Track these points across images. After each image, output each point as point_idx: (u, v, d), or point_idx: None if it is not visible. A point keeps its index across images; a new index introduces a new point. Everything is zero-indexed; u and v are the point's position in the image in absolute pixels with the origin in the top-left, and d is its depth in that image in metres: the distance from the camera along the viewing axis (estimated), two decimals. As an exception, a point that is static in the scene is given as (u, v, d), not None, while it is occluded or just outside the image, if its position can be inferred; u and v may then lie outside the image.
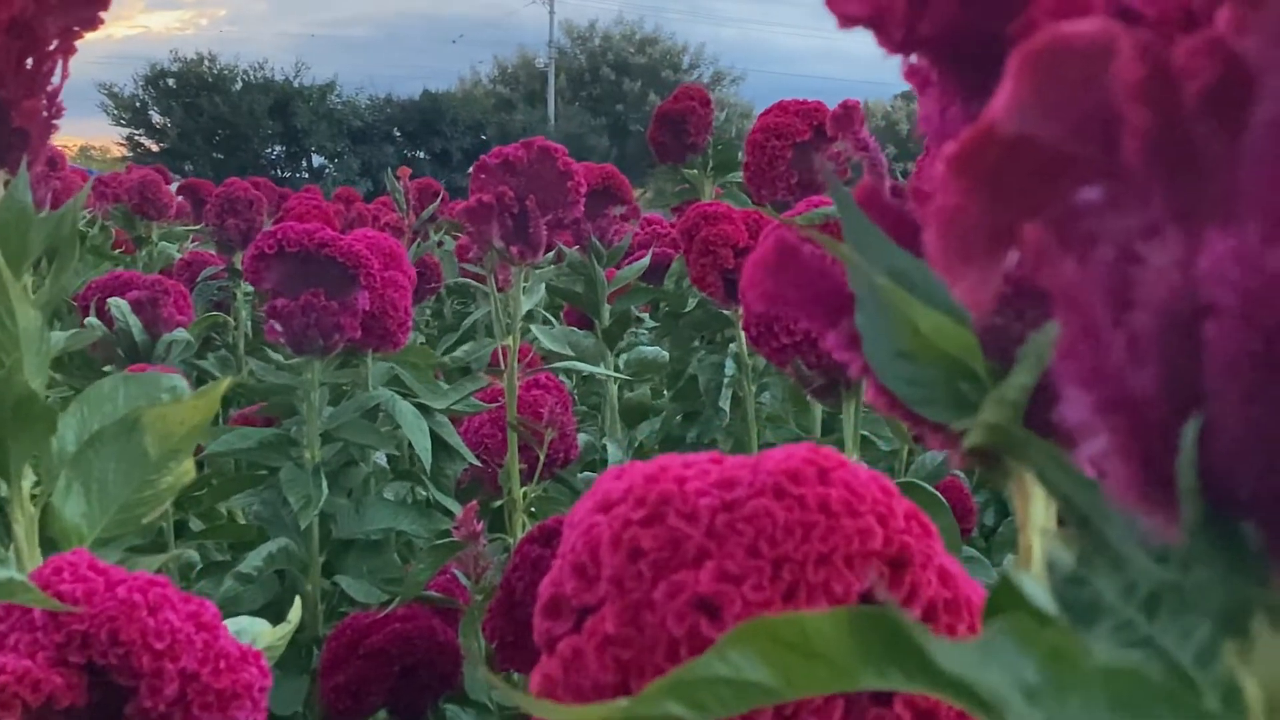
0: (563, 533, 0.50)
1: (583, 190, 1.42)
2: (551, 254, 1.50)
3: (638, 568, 0.44)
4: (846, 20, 0.33)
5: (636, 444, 2.00)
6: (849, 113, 1.16)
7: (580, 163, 1.97)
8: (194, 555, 1.91)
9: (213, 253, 3.20)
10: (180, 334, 2.00)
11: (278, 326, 1.57)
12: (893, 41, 0.33)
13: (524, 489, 1.44)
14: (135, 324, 1.97)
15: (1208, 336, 0.20)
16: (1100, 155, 0.23)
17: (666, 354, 2.02)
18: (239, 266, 3.09)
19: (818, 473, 0.45)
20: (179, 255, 3.54)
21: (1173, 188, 0.21)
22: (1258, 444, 0.20)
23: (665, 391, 2.01)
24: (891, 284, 0.33)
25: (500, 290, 1.44)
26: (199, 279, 3.06)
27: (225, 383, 0.80)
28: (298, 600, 0.90)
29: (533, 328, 1.47)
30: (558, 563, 0.48)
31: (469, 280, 1.91)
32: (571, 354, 1.53)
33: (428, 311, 3.30)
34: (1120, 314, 0.21)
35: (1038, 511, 0.35)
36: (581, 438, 1.97)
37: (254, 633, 0.86)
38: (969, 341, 0.34)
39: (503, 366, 1.44)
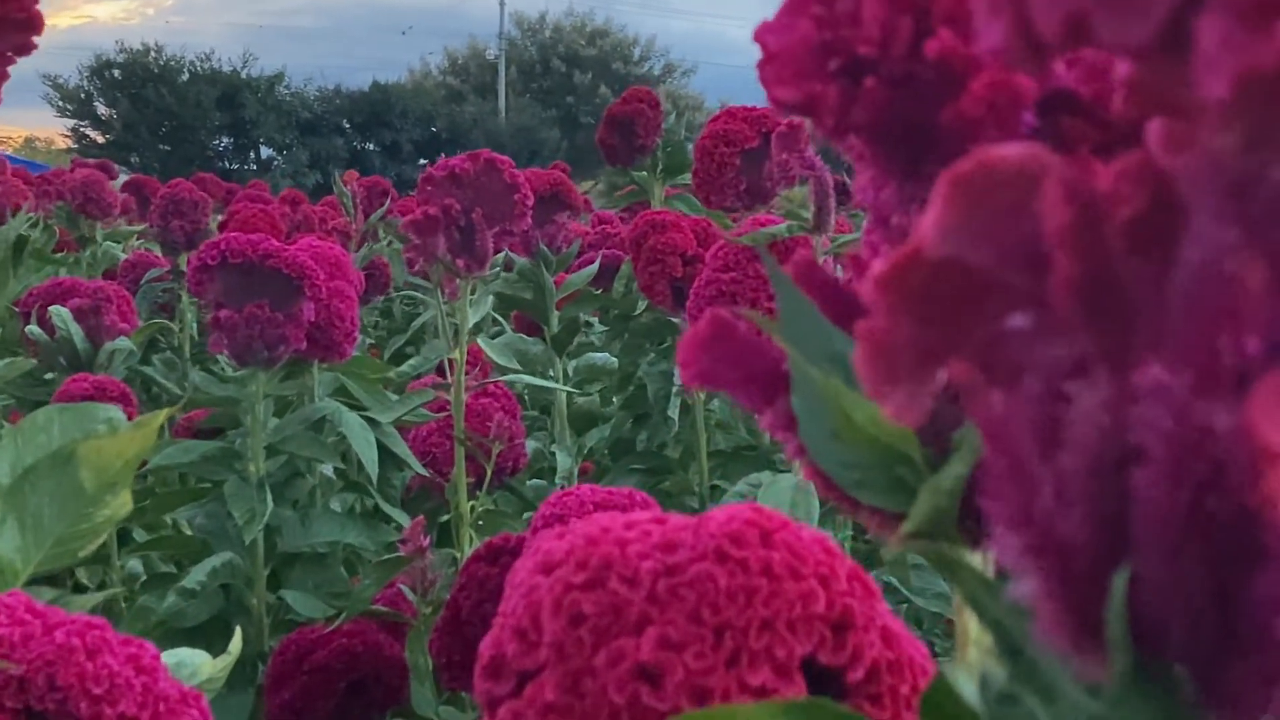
0: (505, 591, 0.50)
1: (529, 203, 1.41)
2: (500, 260, 1.50)
3: (579, 634, 0.43)
4: (780, 105, 0.32)
5: (586, 450, 1.99)
6: (794, 132, 1.16)
7: (529, 169, 1.97)
8: (138, 567, 1.89)
9: (158, 253, 3.17)
10: (123, 342, 1.97)
11: (221, 338, 1.55)
12: (826, 127, 0.32)
13: (471, 502, 1.43)
14: (77, 332, 1.95)
15: (1136, 485, 0.20)
16: (1029, 284, 0.22)
17: (616, 360, 2.01)
18: (184, 268, 3.06)
19: (760, 535, 0.44)
20: (124, 256, 3.50)
21: (1101, 327, 0.21)
22: (1188, 595, 0.19)
23: (615, 398, 2.01)
24: (823, 376, 0.32)
25: (447, 302, 1.43)
26: (143, 281, 3.03)
27: (163, 414, 0.79)
28: (238, 631, 0.89)
29: (479, 340, 1.46)
30: (499, 622, 0.48)
31: (420, 281, 1.90)
32: (517, 366, 1.52)
33: (376, 312, 3.27)
34: (1048, 453, 0.21)
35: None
36: (530, 444, 1.96)
37: (194, 665, 0.85)
38: (905, 429, 0.33)
39: (449, 379, 1.43)
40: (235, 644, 0.88)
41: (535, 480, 2.01)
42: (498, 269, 1.36)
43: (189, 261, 1.57)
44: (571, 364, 1.99)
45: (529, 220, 1.42)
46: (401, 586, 1.46)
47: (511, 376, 1.49)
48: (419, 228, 1.39)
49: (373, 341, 2.92)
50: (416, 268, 1.40)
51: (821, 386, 0.32)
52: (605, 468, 2.13)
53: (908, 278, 0.23)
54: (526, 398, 2.30)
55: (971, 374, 0.22)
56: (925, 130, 0.33)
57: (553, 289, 1.94)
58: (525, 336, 2.02)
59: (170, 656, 0.86)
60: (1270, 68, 0.17)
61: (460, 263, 1.41)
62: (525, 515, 2.01)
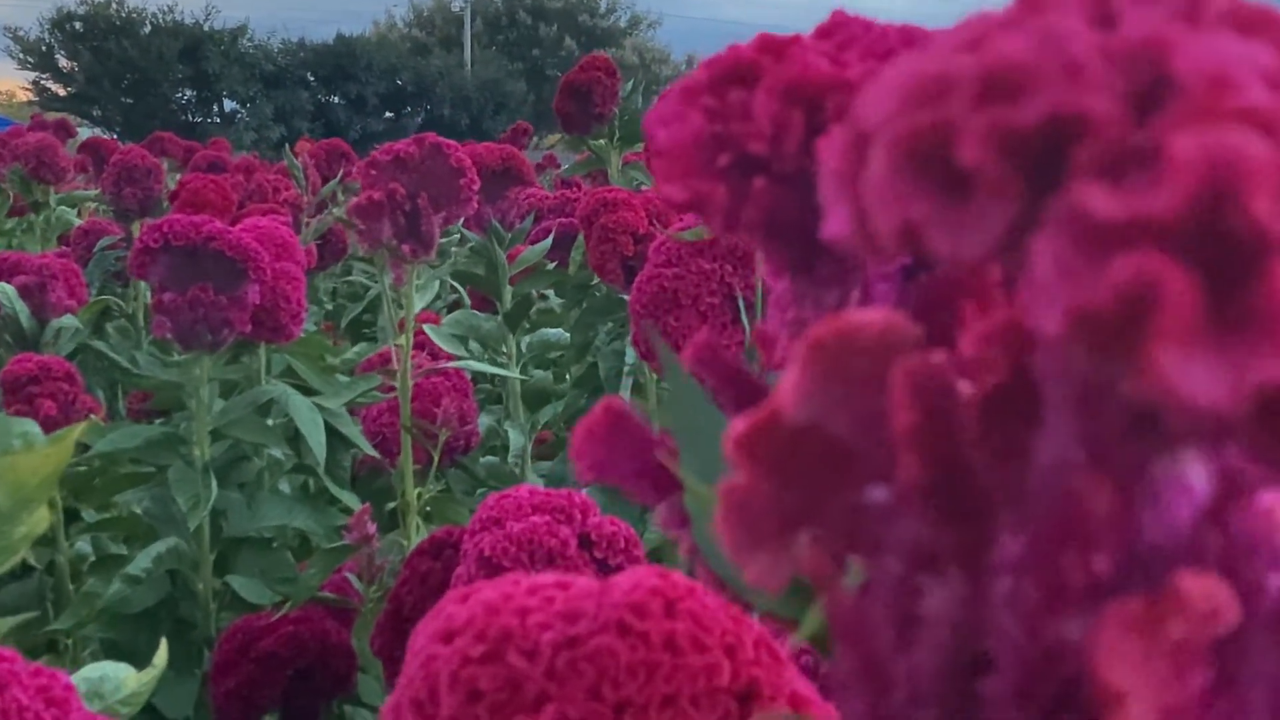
0: (410, 647, 0.48)
1: (475, 187, 1.39)
2: (455, 236, 1.48)
3: (475, 711, 0.42)
4: (671, 204, 0.31)
5: (539, 427, 1.98)
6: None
7: (481, 143, 1.95)
8: (87, 548, 1.88)
9: (112, 220, 3.13)
10: (69, 320, 1.95)
11: (165, 322, 1.53)
12: (715, 225, 0.31)
13: (419, 489, 1.42)
14: (23, 310, 1.92)
15: (986, 694, 0.19)
16: (886, 458, 0.21)
17: (569, 336, 2.00)
18: (137, 236, 3.03)
19: (664, 606, 0.43)
20: (78, 221, 3.46)
21: (953, 521, 0.20)
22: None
23: (569, 374, 1.99)
24: (703, 489, 0.31)
25: (393, 288, 1.41)
26: (96, 249, 3.00)
27: (79, 428, 0.78)
28: (164, 644, 0.87)
29: (424, 327, 1.44)
30: (399, 688, 0.46)
31: (366, 265, 1.88)
32: (464, 353, 1.50)
33: (334, 278, 3.25)
34: (903, 646, 0.20)
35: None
36: (483, 421, 1.95)
37: (118, 679, 0.84)
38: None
39: (395, 365, 1.42)
40: (160, 656, 0.87)
41: (489, 458, 2.00)
42: (450, 256, 1.34)
43: (132, 245, 1.55)
44: (525, 340, 1.98)
45: (475, 205, 1.40)
46: (348, 575, 1.45)
47: (459, 363, 1.48)
48: (363, 213, 1.37)
49: (330, 308, 2.89)
50: (363, 251, 1.39)
51: (704, 495, 0.31)
52: (562, 440, 2.12)
53: (767, 440, 0.22)
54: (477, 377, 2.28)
55: (823, 560, 0.21)
56: (818, 229, 0.31)
57: (505, 265, 1.92)
58: (478, 313, 2.00)
59: (94, 670, 0.84)
60: (1107, 306, 0.16)
61: (406, 248, 1.39)
62: (479, 491, 2.00)
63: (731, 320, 1.08)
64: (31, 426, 0.83)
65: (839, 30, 0.35)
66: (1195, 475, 0.18)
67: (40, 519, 0.80)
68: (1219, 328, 0.16)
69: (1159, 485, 0.18)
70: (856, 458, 0.22)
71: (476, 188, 1.39)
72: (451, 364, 1.47)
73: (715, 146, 0.31)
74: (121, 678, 0.84)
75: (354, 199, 1.37)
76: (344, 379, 1.62)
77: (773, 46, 0.32)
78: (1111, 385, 0.17)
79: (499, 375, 2.07)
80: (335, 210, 3.81)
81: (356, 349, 1.56)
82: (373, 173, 1.39)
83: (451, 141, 1.40)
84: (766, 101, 0.31)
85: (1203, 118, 0.16)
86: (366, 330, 2.94)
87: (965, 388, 0.20)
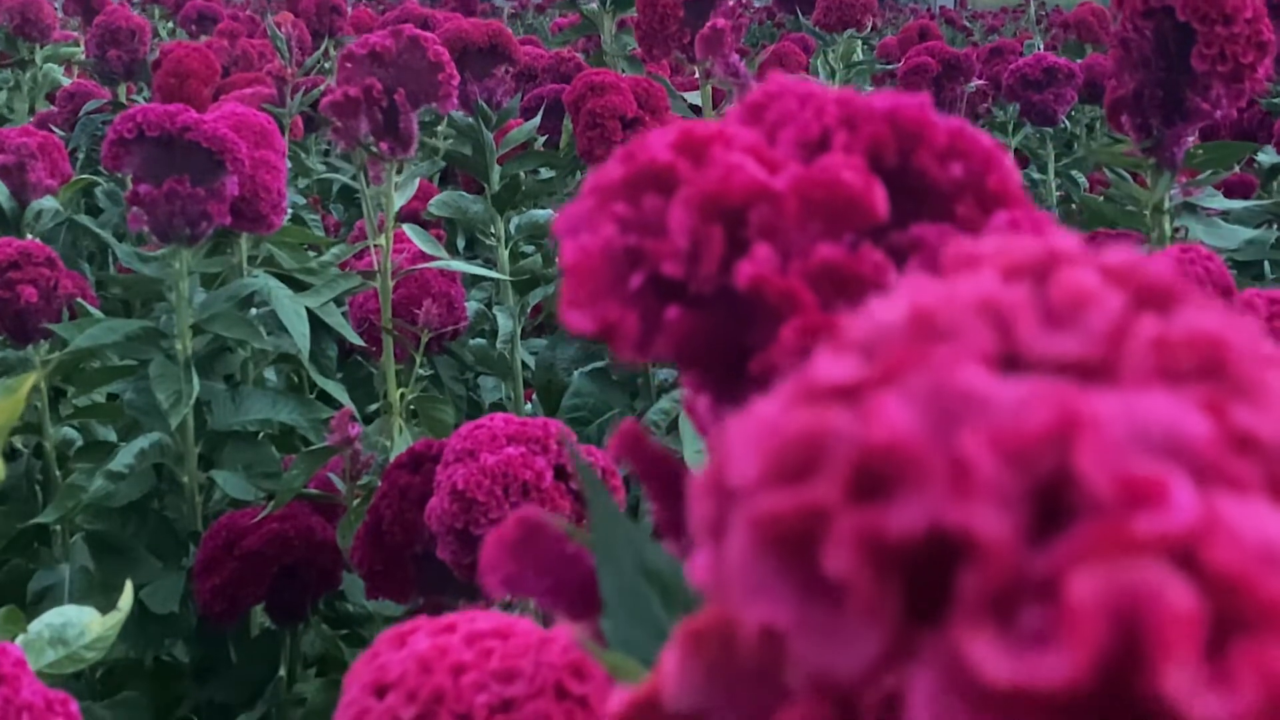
0: (345, 685, 0.47)
1: (455, 82, 1.35)
2: (441, 122, 1.44)
3: (403, 776, 0.40)
4: (578, 332, 0.28)
5: (528, 310, 1.96)
6: (717, 35, 1.10)
7: (468, 19, 1.89)
8: (73, 433, 1.87)
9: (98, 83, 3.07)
10: (49, 202, 1.92)
11: (141, 215, 1.50)
12: (624, 354, 0.28)
13: (401, 390, 1.40)
14: (2, 191, 1.89)
15: None
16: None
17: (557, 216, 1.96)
18: (123, 100, 2.97)
19: (601, 664, 0.41)
20: (65, 81, 3.39)
21: None
22: None
23: (556, 258, 1.95)
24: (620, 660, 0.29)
25: (371, 186, 1.37)
26: (82, 112, 2.94)
27: (30, 378, 0.75)
28: (128, 586, 0.86)
29: (404, 227, 1.41)
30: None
31: (342, 164, 1.83)
32: (444, 254, 1.47)
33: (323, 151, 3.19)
34: None
35: None
36: (471, 306, 1.93)
37: (82, 624, 0.83)
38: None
39: (375, 267, 1.39)
40: (126, 599, 0.86)
41: (477, 340, 1.97)
42: (435, 155, 1.30)
43: (106, 135, 1.51)
44: (514, 222, 1.94)
45: (454, 101, 1.35)
46: (331, 476, 1.44)
47: (439, 264, 1.45)
48: (339, 109, 1.33)
49: (321, 176, 2.85)
50: (338, 150, 1.35)
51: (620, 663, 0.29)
52: (552, 317, 2.10)
53: None
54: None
55: None
56: (739, 353, 0.29)
57: (492, 146, 1.88)
58: (465, 194, 1.96)
59: (57, 616, 0.83)
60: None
61: (384, 146, 1.35)
62: (467, 376, 1.99)
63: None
64: (-18, 377, 0.80)
65: (773, 105, 0.31)
66: None
67: (-5, 471, 0.78)
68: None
69: None
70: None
71: (456, 82, 1.35)
72: (432, 265, 1.44)
73: (627, 263, 0.28)
74: (85, 622, 0.83)
75: (329, 95, 1.33)
76: (330, 266, 1.59)
77: (692, 146, 0.29)
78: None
79: (488, 256, 2.04)
80: (327, 64, 3.73)
81: (335, 250, 1.53)
82: (348, 66, 1.35)
83: (430, 34, 1.36)
84: (683, 215, 0.28)
85: (1109, 546, 0.14)
86: (358, 196, 2.90)
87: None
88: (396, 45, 1.34)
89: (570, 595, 0.32)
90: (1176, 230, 1.24)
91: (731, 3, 1.84)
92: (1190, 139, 1.20)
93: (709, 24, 1.01)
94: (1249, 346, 0.16)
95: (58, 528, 1.70)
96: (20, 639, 0.82)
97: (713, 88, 1.83)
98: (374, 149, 1.35)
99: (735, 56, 0.99)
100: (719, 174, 0.28)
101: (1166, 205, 1.20)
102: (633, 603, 0.31)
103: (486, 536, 0.32)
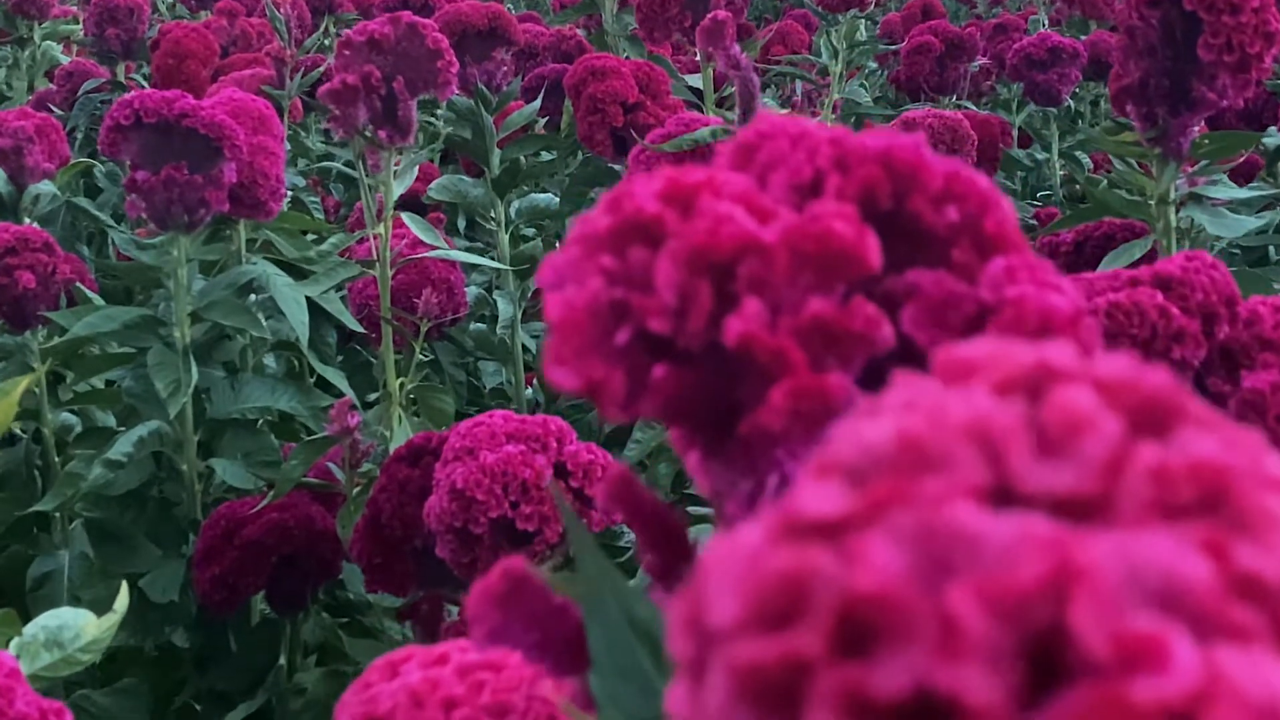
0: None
1: (454, 70, 1.34)
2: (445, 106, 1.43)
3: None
4: (559, 389, 0.27)
5: (528, 294, 1.95)
6: (718, 26, 1.09)
7: (466, 2, 1.88)
8: (72, 418, 1.86)
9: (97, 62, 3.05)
10: (46, 186, 1.91)
11: (139, 202, 1.49)
12: (609, 413, 0.27)
13: (401, 380, 1.39)
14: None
15: None
16: None
17: (558, 201, 1.96)
18: (122, 79, 2.96)
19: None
20: (64, 60, 3.38)
21: None
22: None
23: (556, 243, 1.95)
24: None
25: (370, 175, 1.37)
26: (81, 91, 2.93)
27: (24, 381, 0.75)
28: (124, 588, 0.86)
29: (403, 215, 1.40)
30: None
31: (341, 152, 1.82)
32: (442, 244, 1.46)
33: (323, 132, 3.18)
34: None
35: None
36: (471, 291, 1.92)
37: (77, 627, 0.82)
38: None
39: (374, 256, 1.38)
40: (121, 601, 0.85)
41: (477, 325, 1.97)
42: (435, 140, 1.30)
43: (102, 121, 1.50)
44: (514, 206, 1.93)
45: (453, 88, 1.34)
46: (330, 465, 1.43)
47: (438, 253, 1.44)
48: (338, 97, 1.32)
49: (319, 157, 2.83)
50: (337, 137, 1.34)
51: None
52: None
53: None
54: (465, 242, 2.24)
55: None
56: (729, 408, 0.28)
57: (492, 129, 1.87)
58: (465, 178, 1.95)
59: (52, 618, 0.83)
60: None
61: (382, 134, 1.34)
62: (468, 361, 1.98)
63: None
64: (-27, 381, 0.80)
65: (765, 146, 0.31)
66: None
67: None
68: None
69: None
70: None
71: (455, 70, 1.34)
72: (431, 254, 1.43)
73: (613, 318, 0.27)
74: (81, 625, 0.83)
75: (328, 83, 1.32)
76: (330, 255, 1.58)
77: (680, 195, 0.28)
78: None
79: (488, 240, 2.03)
80: (327, 40, 3.71)
81: (335, 238, 1.52)
82: (346, 53, 1.34)
83: (428, 21, 1.35)
84: (670, 270, 0.27)
85: (1106, 713, 0.13)
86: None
87: None
88: (395, 32, 1.33)
89: (558, 649, 0.31)
90: (1182, 221, 1.23)
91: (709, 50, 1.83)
92: (1196, 129, 1.19)
93: (710, 15, 1.00)
94: (1253, 473, 0.15)
95: (57, 514, 1.70)
96: (15, 642, 0.81)
97: (714, 70, 1.82)
98: (373, 137, 1.34)
99: (737, 48, 0.98)
100: (707, 226, 0.27)
101: (1172, 196, 1.19)
102: (621, 659, 0.30)
103: (472, 589, 0.32)
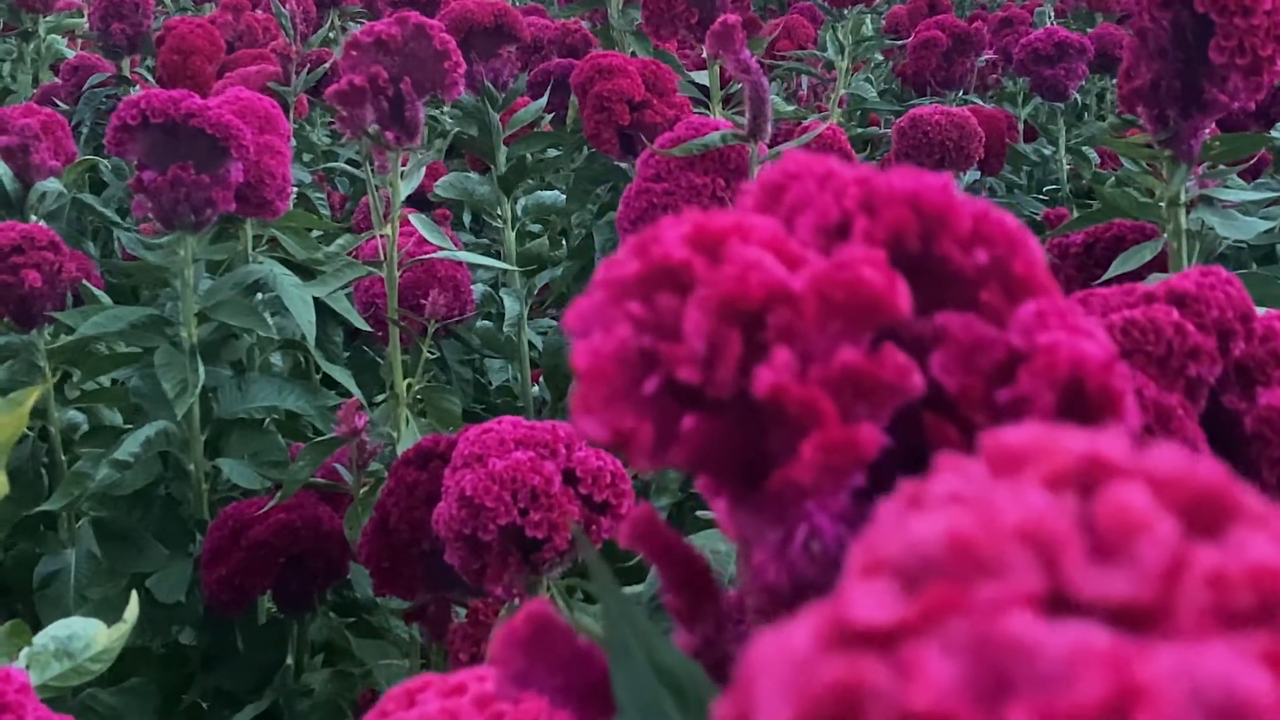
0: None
1: (461, 70, 1.33)
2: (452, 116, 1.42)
3: None
4: (591, 440, 0.27)
5: (535, 292, 1.95)
6: (728, 31, 1.08)
7: (473, 0, 1.87)
8: (79, 416, 1.86)
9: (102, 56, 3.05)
10: (53, 184, 1.90)
11: (145, 202, 1.49)
12: (638, 463, 0.27)
13: (408, 380, 1.39)
14: (6, 173, 1.88)
15: None
16: None
17: (564, 198, 1.95)
18: (127, 74, 2.96)
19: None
20: (69, 54, 3.37)
21: None
22: None
23: (563, 242, 1.95)
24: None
25: (377, 175, 1.36)
26: (86, 86, 2.92)
27: (35, 392, 0.75)
28: (134, 598, 0.85)
29: (410, 217, 1.39)
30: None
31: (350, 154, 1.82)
32: (449, 245, 1.45)
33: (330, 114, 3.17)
34: None
35: None
36: (477, 289, 1.92)
37: (88, 636, 0.82)
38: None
39: (381, 257, 1.38)
40: (131, 610, 0.85)
41: (484, 323, 1.96)
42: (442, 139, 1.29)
43: (109, 121, 1.49)
44: (520, 204, 1.93)
45: (460, 89, 1.34)
46: (337, 466, 1.43)
47: (445, 254, 1.43)
48: (345, 98, 1.32)
49: (325, 151, 2.83)
50: (344, 138, 1.33)
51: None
52: (562, 297, 2.09)
53: None
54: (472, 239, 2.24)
55: None
56: (757, 457, 0.28)
57: (499, 127, 1.86)
58: (471, 175, 1.95)
59: (62, 629, 0.83)
60: None
61: (390, 135, 1.34)
62: (474, 358, 1.98)
63: (722, 237, 1.03)
64: (-17, 390, 0.79)
65: (791, 187, 0.30)
66: None
67: (-2, 486, 0.77)
68: None
69: None
70: None
71: (462, 71, 1.34)
72: (438, 255, 1.42)
73: (642, 366, 0.27)
74: (91, 634, 0.83)
75: (334, 84, 1.32)
76: (337, 255, 1.58)
77: (707, 241, 0.27)
78: None
79: (494, 238, 2.03)
80: (333, 32, 3.71)
81: (342, 240, 1.52)
82: (353, 54, 1.33)
83: (435, 22, 1.34)
84: (699, 318, 0.27)
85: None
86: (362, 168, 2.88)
87: None
88: (402, 33, 1.33)
89: (583, 694, 0.31)
90: (1192, 222, 1.22)
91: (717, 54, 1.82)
92: (1207, 131, 1.19)
93: (719, 19, 0.99)
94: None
95: (63, 513, 1.70)
96: (25, 652, 0.81)
97: (720, 67, 1.82)
98: (380, 138, 1.33)
99: (747, 52, 0.98)
100: (736, 273, 0.27)
101: (1183, 198, 1.19)
102: (647, 706, 0.30)
103: (495, 633, 0.32)
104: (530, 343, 1.96)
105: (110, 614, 1.54)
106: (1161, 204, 1.21)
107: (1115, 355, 0.28)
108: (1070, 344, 0.28)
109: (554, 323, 2.04)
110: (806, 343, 0.27)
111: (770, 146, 1.03)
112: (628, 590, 1.07)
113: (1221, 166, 1.24)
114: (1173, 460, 0.16)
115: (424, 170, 1.39)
